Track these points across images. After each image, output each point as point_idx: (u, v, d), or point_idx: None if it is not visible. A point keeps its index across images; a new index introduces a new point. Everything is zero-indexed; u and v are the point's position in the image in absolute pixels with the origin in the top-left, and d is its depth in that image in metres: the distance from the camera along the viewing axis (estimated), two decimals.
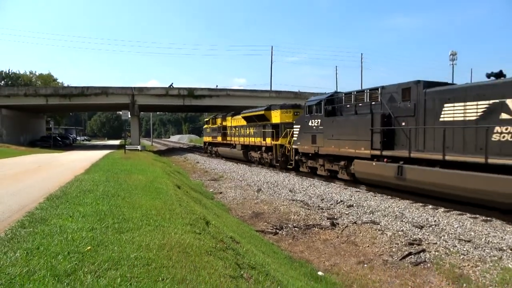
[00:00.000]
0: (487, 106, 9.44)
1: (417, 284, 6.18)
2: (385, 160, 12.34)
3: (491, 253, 6.84)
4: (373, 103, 13.42)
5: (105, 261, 3.79)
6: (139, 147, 35.35)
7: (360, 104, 14.13)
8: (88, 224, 5.23)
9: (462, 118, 10.06)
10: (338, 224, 9.57)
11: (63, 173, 13.20)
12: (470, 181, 9.27)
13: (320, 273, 6.83)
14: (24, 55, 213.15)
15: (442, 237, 7.86)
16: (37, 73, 64.26)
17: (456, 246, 7.31)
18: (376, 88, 13.34)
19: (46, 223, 5.34)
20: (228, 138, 29.74)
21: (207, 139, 37.05)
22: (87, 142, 77.10)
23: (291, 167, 19.34)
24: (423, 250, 7.23)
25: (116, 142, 72.34)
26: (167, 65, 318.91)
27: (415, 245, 7.55)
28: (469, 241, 7.49)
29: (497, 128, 9.05)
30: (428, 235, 8.05)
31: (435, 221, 9.04)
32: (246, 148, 26.03)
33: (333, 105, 15.77)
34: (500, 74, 9.98)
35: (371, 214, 10.10)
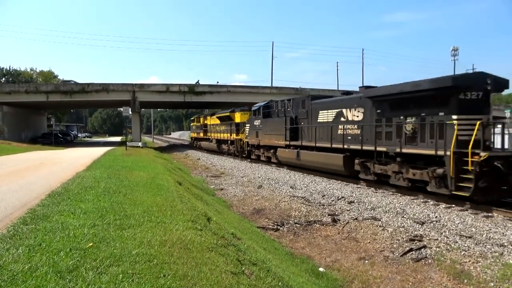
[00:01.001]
0: (336, 113, 15.21)
1: (418, 280, 6.19)
2: (291, 147, 18.21)
3: (492, 249, 6.84)
4: (288, 109, 19.05)
5: (107, 257, 3.80)
6: (140, 144, 35.36)
7: (282, 109, 19.79)
8: (89, 221, 5.24)
9: (326, 120, 15.92)
10: (339, 220, 9.58)
11: (65, 170, 13.23)
12: (325, 157, 15.32)
13: (321, 269, 6.85)
14: (24, 52, 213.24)
15: (443, 233, 7.86)
16: (37, 70, 64.29)
17: (457, 242, 7.32)
18: (289, 99, 19.26)
19: (48, 219, 5.36)
20: (208, 134, 36.27)
21: (193, 135, 45.19)
22: (88, 139, 77.17)
23: (245, 155, 25.67)
24: (424, 246, 7.24)
25: (117, 138, 72.41)
26: (167, 61, 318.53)
27: (416, 241, 7.56)
28: (470, 237, 7.50)
29: (339, 126, 14.73)
30: (429, 231, 8.05)
31: (436, 217, 9.04)
32: (219, 142, 32.18)
33: (267, 110, 21.71)
34: (348, 93, 16.72)
35: (372, 210, 10.11)
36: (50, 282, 3.20)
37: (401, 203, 10.57)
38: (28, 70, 63.25)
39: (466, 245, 7.12)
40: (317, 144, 15.97)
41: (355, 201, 11.29)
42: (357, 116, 13.93)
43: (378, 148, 12.35)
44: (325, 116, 15.97)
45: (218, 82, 44.90)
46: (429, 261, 6.73)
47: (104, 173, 11.14)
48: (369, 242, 7.99)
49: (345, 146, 14.07)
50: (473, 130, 9.41)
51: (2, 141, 33.28)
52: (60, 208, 6.15)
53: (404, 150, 11.24)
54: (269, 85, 53.72)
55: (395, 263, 6.86)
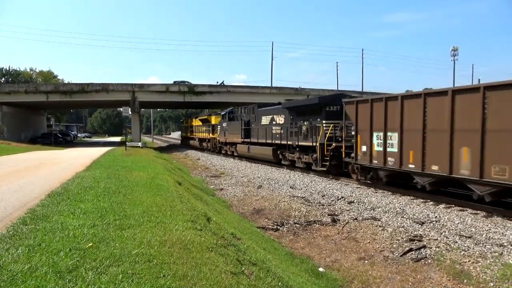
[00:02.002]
0: (270, 118, 21.08)
1: (418, 280, 6.19)
2: (245, 143, 24.17)
3: (492, 249, 6.85)
4: (244, 114, 25.20)
5: (107, 257, 3.80)
6: (140, 144, 35.35)
7: (240, 115, 26.03)
8: (89, 221, 5.24)
9: (265, 123, 21.65)
10: (339, 220, 9.58)
11: (64, 170, 13.22)
12: (263, 150, 21.31)
13: (321, 269, 6.85)
14: (24, 52, 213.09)
15: (443, 233, 7.86)
16: (37, 70, 64.24)
17: (457, 242, 7.32)
18: (244, 107, 25.47)
19: (48, 220, 5.36)
20: (194, 134, 42.73)
21: (183, 134, 53.72)
22: (88, 139, 77.13)
23: (217, 151, 31.91)
24: (424, 246, 7.24)
25: (117, 139, 72.37)
26: (167, 61, 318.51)
27: (416, 241, 7.56)
28: (470, 237, 7.50)
29: (272, 127, 20.56)
30: (429, 231, 8.05)
31: (436, 217, 9.04)
32: (200, 140, 39.00)
33: (231, 114, 27.98)
34: (278, 104, 21.77)
35: (372, 210, 10.11)
36: (49, 282, 3.20)
37: (400, 203, 10.58)
38: (28, 70, 63.23)
39: (465, 245, 7.13)
40: (259, 141, 22.32)
41: (355, 201, 11.30)
42: (281, 121, 19.89)
43: (289, 142, 18.82)
44: (265, 120, 21.91)
45: (217, 82, 44.97)
46: (429, 261, 6.73)
47: (103, 173, 11.14)
48: (369, 242, 7.99)
49: (273, 141, 20.49)
50: (331, 129, 15.66)
51: (1, 141, 33.26)
52: (60, 208, 6.15)
53: (299, 143, 17.79)
54: (269, 85, 53.71)
55: (394, 263, 6.86)
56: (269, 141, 20.78)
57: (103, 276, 3.36)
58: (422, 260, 6.77)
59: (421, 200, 10.90)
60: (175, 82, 41.01)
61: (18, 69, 61.21)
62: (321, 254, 7.76)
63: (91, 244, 4.20)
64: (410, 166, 10.96)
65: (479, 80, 51.96)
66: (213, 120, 33.40)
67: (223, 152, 30.03)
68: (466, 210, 9.56)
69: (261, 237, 8.36)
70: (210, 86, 40.59)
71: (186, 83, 40.67)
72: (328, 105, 16.06)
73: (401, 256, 7.07)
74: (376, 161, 12.45)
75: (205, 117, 36.79)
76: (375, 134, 12.43)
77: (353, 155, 13.66)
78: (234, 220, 9.46)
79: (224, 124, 28.72)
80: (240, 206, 12.24)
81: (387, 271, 6.60)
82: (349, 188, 13.38)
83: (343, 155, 14.43)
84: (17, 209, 6.43)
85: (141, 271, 3.53)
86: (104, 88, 37.89)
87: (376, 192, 12.37)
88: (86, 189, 8.05)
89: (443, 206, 10.09)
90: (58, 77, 63.79)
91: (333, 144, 15.22)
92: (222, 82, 43.02)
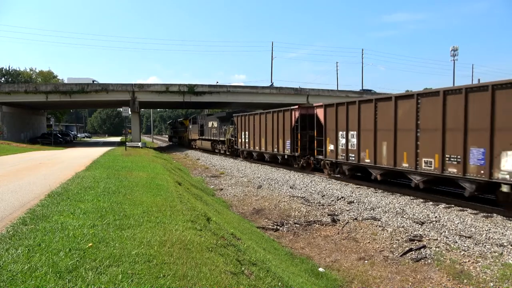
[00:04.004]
0: (212, 122, 33.25)
1: (418, 280, 6.19)
2: (199, 139, 37.30)
3: (492, 249, 6.85)
4: (200, 119, 37.39)
5: (107, 257, 3.80)
6: (139, 144, 35.35)
7: (198, 120, 38.07)
8: (89, 221, 5.24)
9: (210, 126, 33.59)
10: (339, 220, 9.58)
11: (64, 170, 13.21)
12: (206, 144, 34.83)
13: (321, 269, 6.85)
14: (24, 52, 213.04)
15: (443, 233, 7.86)
16: (37, 70, 64.21)
17: (456, 242, 7.32)
18: (201, 116, 38.37)
19: (48, 220, 5.35)
20: (177, 133, 55.88)
21: (169, 134, 70.30)
22: (88, 139, 77.11)
23: (188, 146, 44.21)
24: (424, 246, 7.24)
25: (117, 139, 72.39)
26: (167, 61, 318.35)
27: (415, 241, 7.56)
28: (470, 237, 7.50)
29: (211, 129, 33.35)
30: (429, 231, 8.05)
31: (435, 217, 9.04)
32: (179, 138, 52.53)
33: (195, 120, 39.97)
34: (214, 114, 37.19)
35: (371, 211, 10.11)
36: (49, 282, 3.20)
37: (400, 203, 10.58)
38: (28, 70, 63.21)
39: (465, 245, 7.13)
40: (205, 137, 35.26)
41: (355, 201, 11.30)
42: (215, 125, 32.05)
43: (217, 138, 31.64)
44: (209, 124, 33.98)
45: (217, 82, 45.18)
46: (429, 261, 6.73)
47: (103, 173, 11.14)
48: (369, 242, 7.99)
49: (211, 138, 33.34)
50: (232, 131, 27.55)
51: (1, 141, 33.24)
52: (60, 208, 6.14)
53: (220, 138, 30.47)
54: (269, 85, 53.65)
55: (394, 263, 6.86)
56: (210, 137, 33.98)
57: (103, 276, 3.36)
58: (422, 260, 6.77)
59: (421, 200, 10.90)
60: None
61: (18, 69, 61.24)
62: (321, 254, 7.76)
63: (90, 244, 4.20)
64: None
65: (478, 80, 51.96)
66: (186, 123, 45.88)
67: (192, 145, 42.18)
68: (466, 210, 9.56)
69: (261, 237, 8.36)
70: (210, 86, 40.59)
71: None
72: (235, 116, 26.69)
73: (401, 256, 7.07)
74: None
75: (182, 120, 51.80)
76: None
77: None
78: (234, 220, 9.46)
79: (190, 126, 42.14)
80: (240, 206, 12.24)
81: (387, 271, 6.60)
82: (349, 188, 13.39)
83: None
84: (17, 209, 6.43)
85: (141, 271, 3.53)
86: (104, 88, 37.90)
87: (376, 192, 12.37)
88: (86, 189, 8.04)
89: (443, 206, 10.10)
90: (58, 77, 63.81)
91: (232, 139, 27.60)
92: (216, 83, 43.83)
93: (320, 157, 16.21)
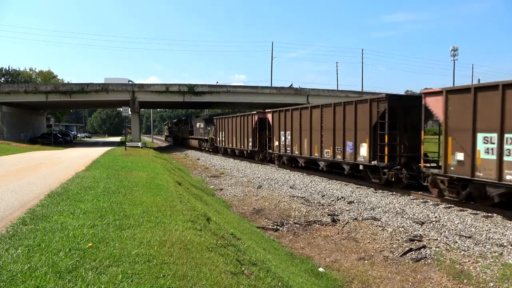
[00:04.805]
0: (199, 123, 38.45)
1: (418, 280, 6.19)
2: (190, 138, 43.12)
3: (492, 249, 6.85)
4: (190, 120, 43.02)
5: (106, 257, 3.80)
6: (139, 144, 35.34)
7: (189, 120, 43.66)
8: (89, 221, 5.23)
9: (198, 126, 39.03)
10: (339, 220, 9.58)
11: (64, 170, 13.21)
12: (195, 142, 40.55)
13: (321, 269, 6.85)
14: (24, 52, 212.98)
15: (443, 233, 7.86)
16: (37, 70, 64.19)
17: (456, 242, 7.32)
18: (191, 117, 44.06)
19: (47, 220, 5.35)
20: (170, 132, 63.32)
21: (165, 133, 77.27)
22: (88, 139, 77.10)
23: (180, 143, 50.63)
24: (424, 246, 7.24)
25: (117, 139, 72.36)
26: (167, 61, 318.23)
27: (415, 241, 7.56)
28: (469, 237, 7.50)
29: (199, 129, 38.64)
30: (429, 231, 8.05)
31: (436, 217, 9.04)
32: (174, 137, 58.42)
33: (186, 121, 46.45)
34: (200, 115, 42.57)
35: (371, 211, 10.11)
36: (49, 282, 3.20)
37: (400, 203, 10.57)
38: (28, 70, 63.18)
39: (465, 245, 7.13)
40: (194, 137, 39.92)
41: (355, 201, 11.29)
42: (201, 126, 36.57)
43: (204, 137, 35.63)
44: (197, 125, 38.65)
45: (217, 82, 45.32)
46: (429, 261, 6.73)
47: (103, 173, 11.14)
48: (369, 242, 7.99)
49: (198, 137, 38.03)
50: (213, 131, 33.03)
51: (1, 141, 33.23)
52: (60, 208, 6.14)
53: (205, 137, 35.41)
54: (269, 85, 53.68)
55: (394, 263, 6.86)
56: (197, 137, 38.90)
57: (102, 276, 3.36)
58: (422, 260, 6.77)
59: (421, 200, 10.90)
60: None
61: (18, 69, 61.20)
62: (321, 254, 7.76)
63: (90, 244, 4.20)
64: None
65: (479, 80, 51.96)
66: (179, 124, 51.80)
67: (184, 144, 47.13)
68: (466, 210, 9.56)
69: (261, 237, 8.36)
70: (210, 86, 40.56)
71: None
72: (214, 118, 31.74)
73: (401, 256, 7.07)
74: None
75: (176, 121, 57.17)
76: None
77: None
78: (234, 220, 9.46)
79: (182, 127, 47.98)
80: (240, 206, 12.24)
81: (387, 271, 6.59)
82: (349, 188, 13.38)
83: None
84: (17, 209, 6.42)
85: (141, 271, 3.53)
86: (104, 88, 37.86)
87: (376, 193, 12.37)
88: (85, 189, 8.04)
89: (443, 206, 10.10)
90: (58, 77, 63.78)
91: (213, 138, 32.59)
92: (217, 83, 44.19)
93: (270, 151, 21.18)
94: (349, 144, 13.97)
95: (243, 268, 4.61)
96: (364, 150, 13.24)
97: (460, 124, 9.67)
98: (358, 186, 13.64)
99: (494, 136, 8.83)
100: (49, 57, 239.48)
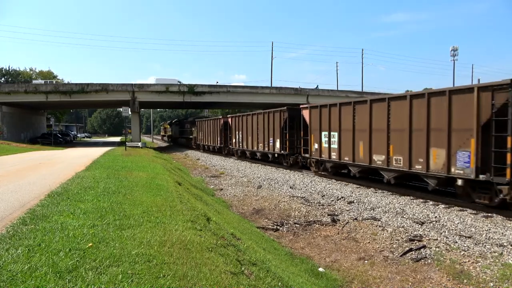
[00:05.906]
0: (189, 125, 45.35)
1: (418, 280, 6.19)
2: (179, 137, 53.59)
3: (492, 249, 6.85)
4: (181, 122, 53.65)
5: (106, 257, 3.80)
6: (139, 144, 35.35)
7: (179, 122, 54.45)
8: (89, 221, 5.23)
9: (186, 127, 47.83)
10: (339, 220, 9.58)
11: (64, 170, 13.21)
12: (185, 140, 48.46)
13: (321, 269, 6.85)
14: (24, 52, 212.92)
15: (443, 233, 7.87)
16: (37, 70, 64.25)
17: (456, 242, 7.32)
18: (184, 119, 55.53)
19: (47, 220, 5.35)
20: (165, 132, 71.52)
21: (162, 133, 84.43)
22: (88, 139, 77.11)
23: (172, 142, 60.06)
24: (424, 246, 7.24)
25: (117, 139, 72.37)
26: (167, 61, 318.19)
27: (415, 241, 7.57)
28: (469, 237, 7.50)
29: (189, 130, 45.69)
30: (429, 231, 8.06)
31: (435, 217, 9.05)
32: (168, 137, 66.11)
33: (176, 122, 57.27)
34: (188, 117, 61.73)
35: (371, 211, 10.11)
36: (49, 283, 3.20)
37: (400, 203, 10.58)
38: (28, 70, 63.22)
39: (465, 245, 7.13)
40: (184, 136, 47.70)
41: (355, 201, 11.30)
42: (188, 126, 45.04)
43: (189, 136, 44.18)
44: (186, 126, 45.86)
45: (217, 82, 45.42)
46: (429, 261, 6.73)
47: (103, 173, 11.14)
48: (369, 242, 7.99)
49: (187, 136, 45.41)
50: (196, 131, 40.61)
51: (1, 141, 33.23)
52: (60, 208, 6.14)
53: (190, 136, 43.48)
54: (269, 85, 53.69)
55: (394, 263, 6.86)
56: (185, 136, 46.06)
57: (103, 276, 3.36)
58: (422, 260, 6.77)
59: (421, 200, 10.91)
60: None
61: (18, 69, 61.24)
62: (321, 254, 7.76)
63: (90, 244, 4.20)
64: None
65: (478, 80, 51.94)
66: (172, 125, 59.49)
67: (177, 142, 54.61)
68: (466, 210, 9.56)
69: (261, 237, 8.36)
70: (209, 86, 40.57)
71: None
72: (197, 121, 38.71)
73: (401, 256, 7.07)
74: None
75: (169, 122, 67.26)
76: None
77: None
78: (234, 220, 9.46)
79: (175, 128, 55.93)
80: (240, 206, 12.24)
81: (387, 271, 6.60)
82: (349, 188, 13.39)
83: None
84: (17, 209, 6.43)
85: (141, 271, 3.53)
86: (104, 88, 37.86)
87: (376, 192, 12.38)
88: (86, 189, 8.04)
89: (443, 206, 10.10)
90: (58, 77, 63.80)
91: (196, 137, 39.26)
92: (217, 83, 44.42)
93: (230, 146, 26.82)
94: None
95: (243, 268, 4.61)
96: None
97: (315, 126, 16.28)
98: (358, 186, 13.65)
99: (327, 133, 15.37)
100: (49, 57, 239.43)
